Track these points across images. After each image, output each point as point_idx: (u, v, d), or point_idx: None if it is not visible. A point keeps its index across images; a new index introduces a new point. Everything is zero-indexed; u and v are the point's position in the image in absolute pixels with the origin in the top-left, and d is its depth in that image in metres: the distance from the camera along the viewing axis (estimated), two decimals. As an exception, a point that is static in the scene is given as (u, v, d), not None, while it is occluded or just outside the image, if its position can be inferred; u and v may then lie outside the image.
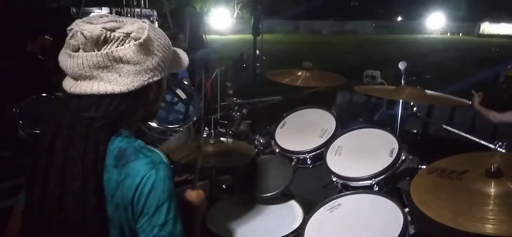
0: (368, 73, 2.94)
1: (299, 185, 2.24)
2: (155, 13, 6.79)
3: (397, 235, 1.57)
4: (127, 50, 1.02)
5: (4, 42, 4.37)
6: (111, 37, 1.02)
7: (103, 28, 1.01)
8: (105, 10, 6.36)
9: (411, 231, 1.66)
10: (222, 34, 24.73)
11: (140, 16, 6.23)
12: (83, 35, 1.00)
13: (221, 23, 26.98)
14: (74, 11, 6.14)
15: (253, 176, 2.18)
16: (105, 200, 1.02)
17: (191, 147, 2.17)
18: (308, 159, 2.23)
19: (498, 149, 1.88)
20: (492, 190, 1.38)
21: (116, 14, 6.11)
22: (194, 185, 1.45)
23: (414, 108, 2.29)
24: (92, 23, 1.02)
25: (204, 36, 7.54)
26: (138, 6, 6.29)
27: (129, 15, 6.00)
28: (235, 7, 32.12)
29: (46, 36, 4.12)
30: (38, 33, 4.10)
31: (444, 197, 1.45)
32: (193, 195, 1.36)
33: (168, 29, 5.66)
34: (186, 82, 3.11)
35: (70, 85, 1.05)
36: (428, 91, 2.11)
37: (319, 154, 2.21)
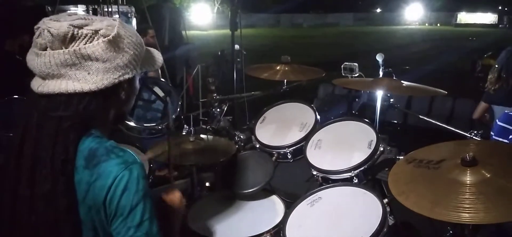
0: (346, 66, 2.95)
1: (280, 179, 2.25)
2: (133, 9, 6.68)
3: (377, 226, 1.58)
4: (96, 47, 1.00)
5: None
6: (79, 34, 0.99)
7: (70, 25, 0.98)
8: (81, 8, 6.23)
9: (391, 221, 1.68)
10: (202, 30, 24.57)
11: (118, 13, 6.13)
12: (50, 33, 0.98)
13: (202, 18, 26.81)
14: (49, 9, 5.98)
15: (234, 172, 2.18)
16: (77, 202, 1.00)
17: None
18: (289, 154, 2.23)
19: (473, 137, 1.91)
20: (468, 178, 1.40)
21: (92, 11, 5.99)
22: (170, 185, 1.43)
23: (391, 100, 2.31)
24: (59, 21, 1.00)
25: (184, 32, 7.47)
26: (115, 3, 6.17)
27: (106, 11, 5.89)
28: (215, 2, 31.96)
29: (24, 36, 3.98)
30: (17, 32, 3.95)
31: (422, 186, 1.47)
32: (170, 196, 1.34)
33: (137, 24, 5.55)
34: (152, 75, 3.06)
35: (37, 85, 1.03)
36: (405, 83, 2.13)
37: (299, 148, 2.21)
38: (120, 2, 6.38)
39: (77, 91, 1.00)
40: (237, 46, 3.56)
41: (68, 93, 1.00)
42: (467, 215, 1.28)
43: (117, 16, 5.93)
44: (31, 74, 1.07)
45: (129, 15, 6.44)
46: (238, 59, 4.95)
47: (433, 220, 1.37)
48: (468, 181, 1.39)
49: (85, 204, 1.00)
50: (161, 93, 2.47)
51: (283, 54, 2.68)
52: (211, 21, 29.03)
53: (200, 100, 5.08)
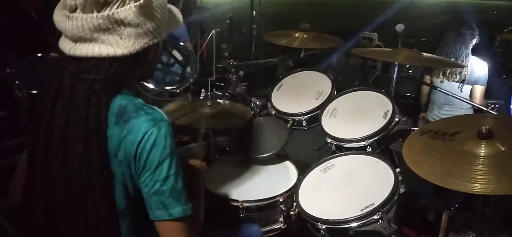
0: (365, 35, 2.91)
1: (295, 146, 2.28)
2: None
3: (388, 194, 1.62)
4: (128, 12, 1.01)
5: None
6: None
7: None
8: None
9: (402, 190, 1.71)
10: (217, -6, 24.21)
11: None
12: None
13: (217, -17, 26.39)
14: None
15: (249, 137, 2.22)
16: (109, 159, 1.04)
17: (187, 109, 2.18)
18: (304, 121, 2.25)
19: (490, 111, 1.91)
20: (482, 151, 1.41)
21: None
22: (197, 154, 1.47)
23: (410, 71, 2.29)
24: None
25: (199, -4, 7.35)
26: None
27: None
28: (231, -34, 31.36)
29: None
30: None
31: (435, 157, 1.49)
32: (197, 162, 1.38)
33: None
34: (188, 46, 3.06)
35: (69, 47, 1.04)
36: (425, 54, 2.11)
37: (315, 116, 2.23)
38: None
39: (110, 55, 1.02)
40: (253, 12, 3.52)
41: (100, 57, 1.02)
42: (479, 185, 1.30)
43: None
44: (49, 33, 1.06)
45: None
46: (254, 26, 4.91)
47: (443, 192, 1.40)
48: (482, 153, 1.41)
49: (116, 159, 1.04)
50: (179, 57, 2.49)
51: (298, 22, 2.66)
52: (226, -14, 28.61)
53: (215, 65, 5.07)
